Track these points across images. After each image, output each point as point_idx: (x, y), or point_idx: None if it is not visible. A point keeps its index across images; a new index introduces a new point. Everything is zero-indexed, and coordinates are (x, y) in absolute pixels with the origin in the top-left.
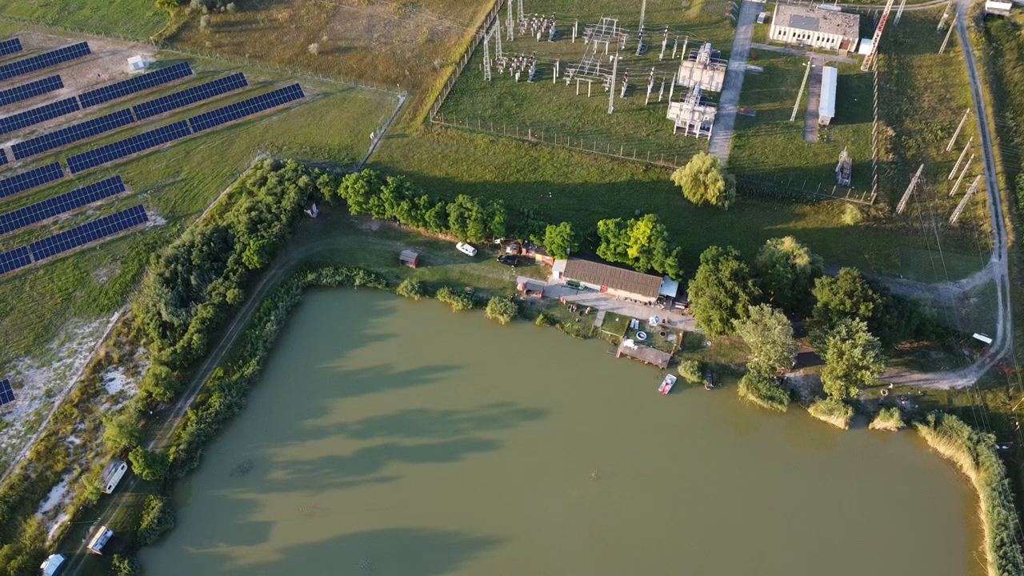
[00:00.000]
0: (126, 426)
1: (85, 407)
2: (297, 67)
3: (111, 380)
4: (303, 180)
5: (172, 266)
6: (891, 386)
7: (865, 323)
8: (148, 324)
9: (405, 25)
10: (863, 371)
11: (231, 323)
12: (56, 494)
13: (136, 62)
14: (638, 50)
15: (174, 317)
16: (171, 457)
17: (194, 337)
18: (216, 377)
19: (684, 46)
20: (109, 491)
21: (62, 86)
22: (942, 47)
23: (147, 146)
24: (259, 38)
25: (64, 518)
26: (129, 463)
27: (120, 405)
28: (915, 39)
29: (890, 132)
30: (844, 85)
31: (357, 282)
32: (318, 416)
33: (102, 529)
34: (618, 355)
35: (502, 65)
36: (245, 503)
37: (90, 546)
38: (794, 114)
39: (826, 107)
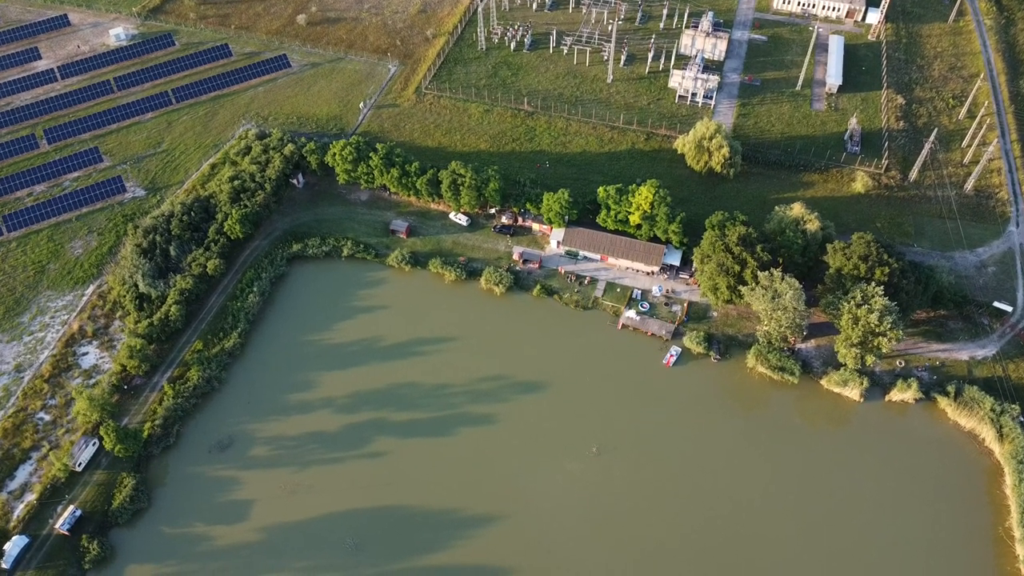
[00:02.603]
0: (97, 399)
1: (56, 382)
2: (284, 38)
3: (84, 354)
4: (289, 148)
5: (150, 236)
6: (903, 358)
7: (881, 288)
8: (124, 296)
9: None
10: (880, 338)
11: (212, 295)
12: (23, 472)
13: (118, 34)
14: (637, 19)
15: (151, 289)
16: (145, 433)
17: (172, 308)
18: (195, 350)
19: (685, 15)
20: (79, 468)
21: (40, 58)
22: (951, 16)
23: (127, 117)
24: (245, 9)
25: (30, 497)
26: (101, 439)
27: (94, 380)
28: (923, 8)
29: (900, 100)
30: (851, 54)
31: (345, 253)
32: (303, 390)
33: (70, 508)
34: (619, 327)
35: (497, 35)
36: (224, 481)
37: (57, 526)
38: (800, 82)
39: (833, 75)
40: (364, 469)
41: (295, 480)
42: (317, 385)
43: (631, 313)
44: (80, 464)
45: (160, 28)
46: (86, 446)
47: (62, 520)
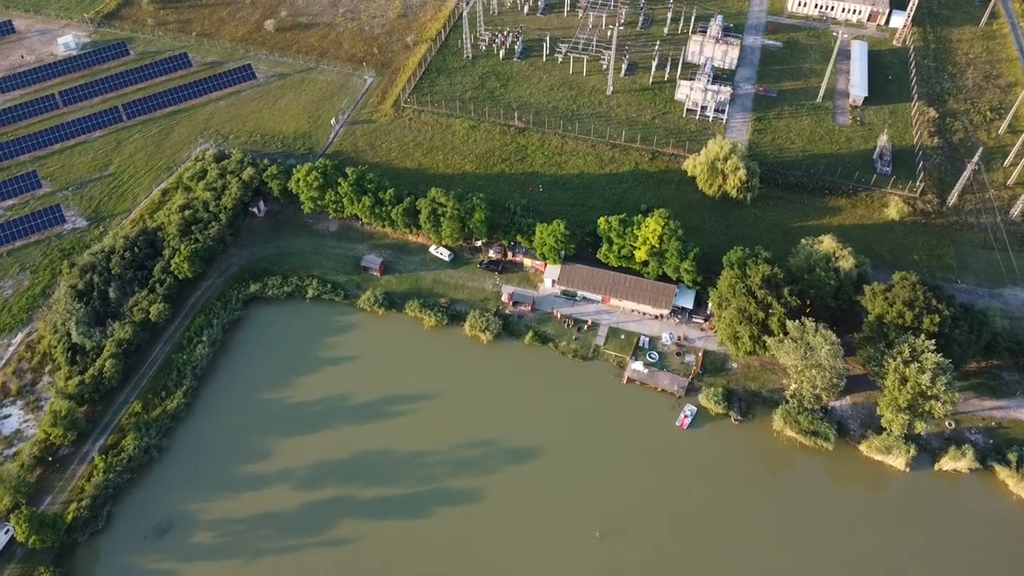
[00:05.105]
0: (8, 480)
1: None
2: (250, 46)
3: (6, 417)
4: (248, 173)
5: (87, 276)
6: (953, 418)
7: (932, 341)
8: (56, 347)
9: None
10: (932, 401)
11: (155, 345)
12: None
13: (67, 42)
14: (639, 24)
15: (86, 338)
16: (70, 516)
17: (107, 363)
18: (133, 413)
19: (692, 19)
20: None
21: None
22: (983, 19)
23: (72, 136)
24: (209, 14)
25: None
26: None
27: (15, 449)
28: (952, 10)
29: (932, 113)
30: (875, 61)
31: (309, 293)
32: (257, 460)
33: None
34: (625, 380)
35: (484, 41)
36: (161, 574)
37: None
38: (821, 94)
39: (858, 85)
40: (326, 559)
41: (245, 572)
42: (274, 453)
43: (638, 365)
44: None
45: (114, 36)
46: None
47: None
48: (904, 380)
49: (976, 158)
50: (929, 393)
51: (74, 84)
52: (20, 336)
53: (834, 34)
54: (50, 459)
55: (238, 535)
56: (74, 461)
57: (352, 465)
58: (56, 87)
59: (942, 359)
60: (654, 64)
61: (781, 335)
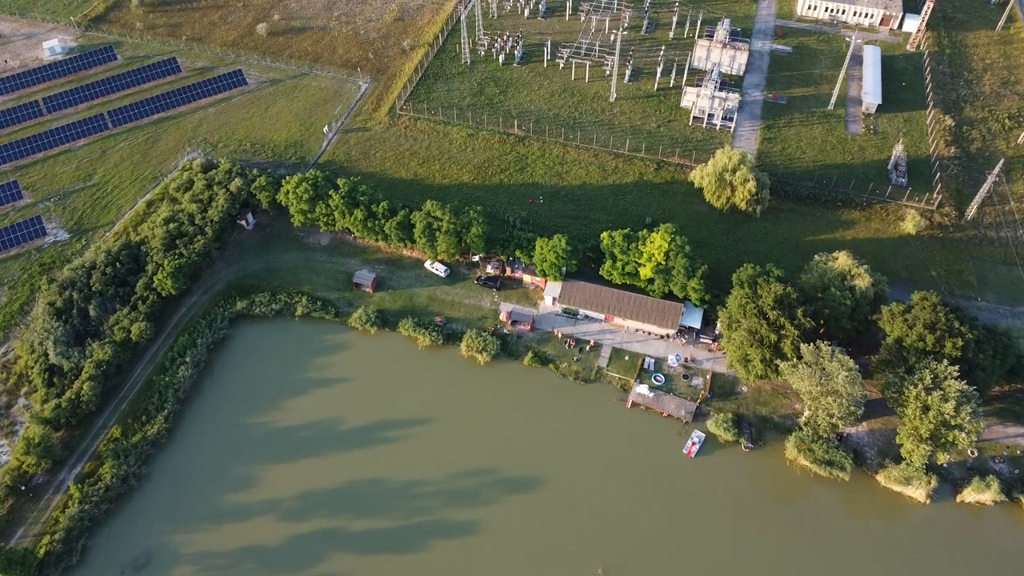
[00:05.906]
0: None
1: None
2: (242, 50)
3: None
4: (235, 184)
5: (67, 293)
6: (975, 446)
7: (956, 368)
8: (32, 368)
9: (371, 2)
10: (955, 431)
11: (136, 366)
12: None
13: (53, 46)
14: (644, 28)
15: (64, 359)
16: (41, 551)
17: (85, 386)
18: (111, 439)
19: (698, 23)
20: None
21: None
22: (1000, 23)
23: (56, 144)
24: (199, 18)
25: None
26: None
27: None
28: (967, 14)
29: (948, 121)
30: (888, 67)
31: (299, 311)
32: (241, 489)
33: None
34: (629, 404)
35: (483, 46)
36: None
37: None
38: (833, 101)
39: (871, 92)
40: None
41: None
42: (259, 482)
43: (643, 388)
44: None
45: (102, 40)
46: None
47: None
48: (926, 408)
49: (997, 169)
50: (953, 423)
51: (59, 90)
52: None
53: (846, 39)
54: (23, 488)
55: (221, 570)
56: (48, 490)
57: (341, 495)
58: (40, 93)
59: (966, 386)
60: (659, 70)
61: (795, 359)
